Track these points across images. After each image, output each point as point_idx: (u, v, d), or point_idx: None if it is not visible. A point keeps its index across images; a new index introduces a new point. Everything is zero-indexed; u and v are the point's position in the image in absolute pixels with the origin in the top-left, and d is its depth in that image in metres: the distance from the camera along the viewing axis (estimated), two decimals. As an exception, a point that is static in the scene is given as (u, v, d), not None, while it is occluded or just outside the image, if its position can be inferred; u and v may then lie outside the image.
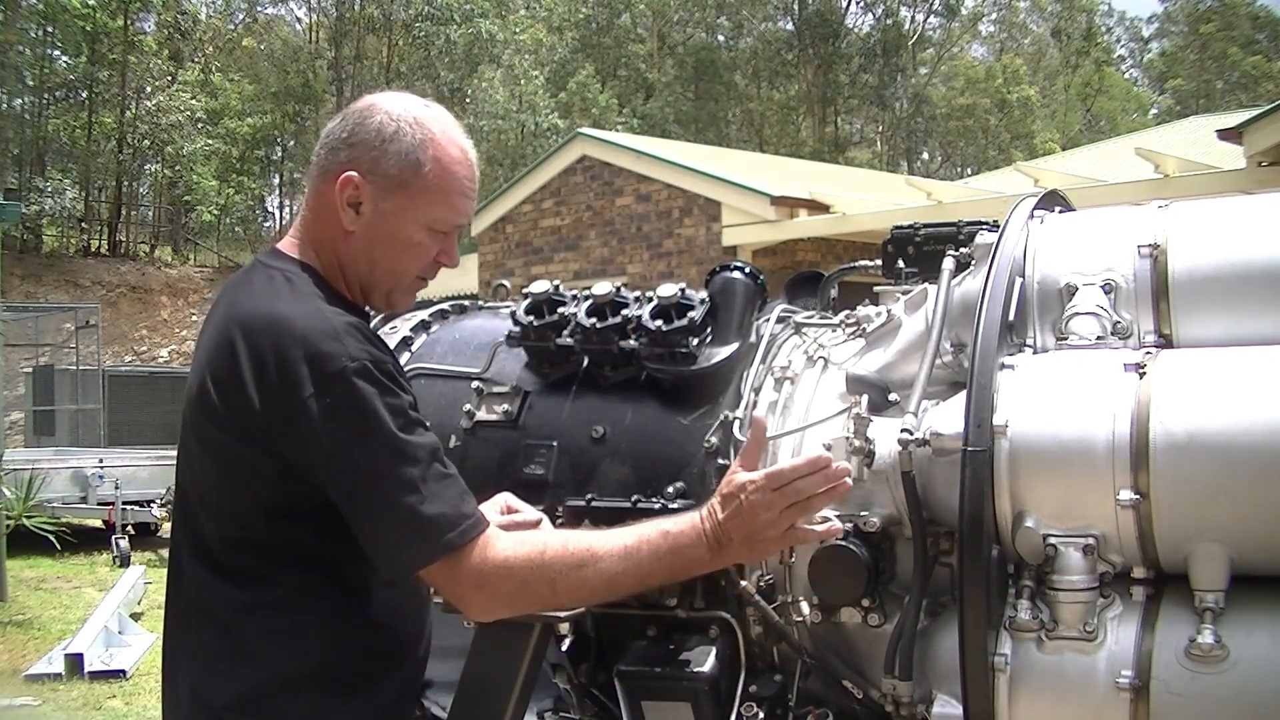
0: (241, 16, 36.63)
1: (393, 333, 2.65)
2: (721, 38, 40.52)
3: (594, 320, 2.34)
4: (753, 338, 2.35)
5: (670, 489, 2.19)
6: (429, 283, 2.01)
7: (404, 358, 2.59)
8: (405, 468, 1.73)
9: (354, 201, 1.89)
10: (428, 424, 1.82)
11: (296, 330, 1.75)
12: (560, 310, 2.40)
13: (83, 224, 30.24)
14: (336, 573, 1.83)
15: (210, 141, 30.11)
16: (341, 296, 1.90)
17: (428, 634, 1.98)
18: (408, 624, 1.94)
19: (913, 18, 43.46)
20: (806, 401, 2.25)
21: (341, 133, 1.91)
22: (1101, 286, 2.02)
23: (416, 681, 1.96)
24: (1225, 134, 10.22)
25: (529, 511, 2.06)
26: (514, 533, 1.86)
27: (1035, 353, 2.03)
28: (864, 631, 2.08)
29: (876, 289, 2.48)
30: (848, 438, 2.07)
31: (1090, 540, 1.83)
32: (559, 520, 2.18)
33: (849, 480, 1.79)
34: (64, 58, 30.95)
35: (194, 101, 29.83)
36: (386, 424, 1.73)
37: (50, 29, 30.12)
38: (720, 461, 2.20)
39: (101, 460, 13.25)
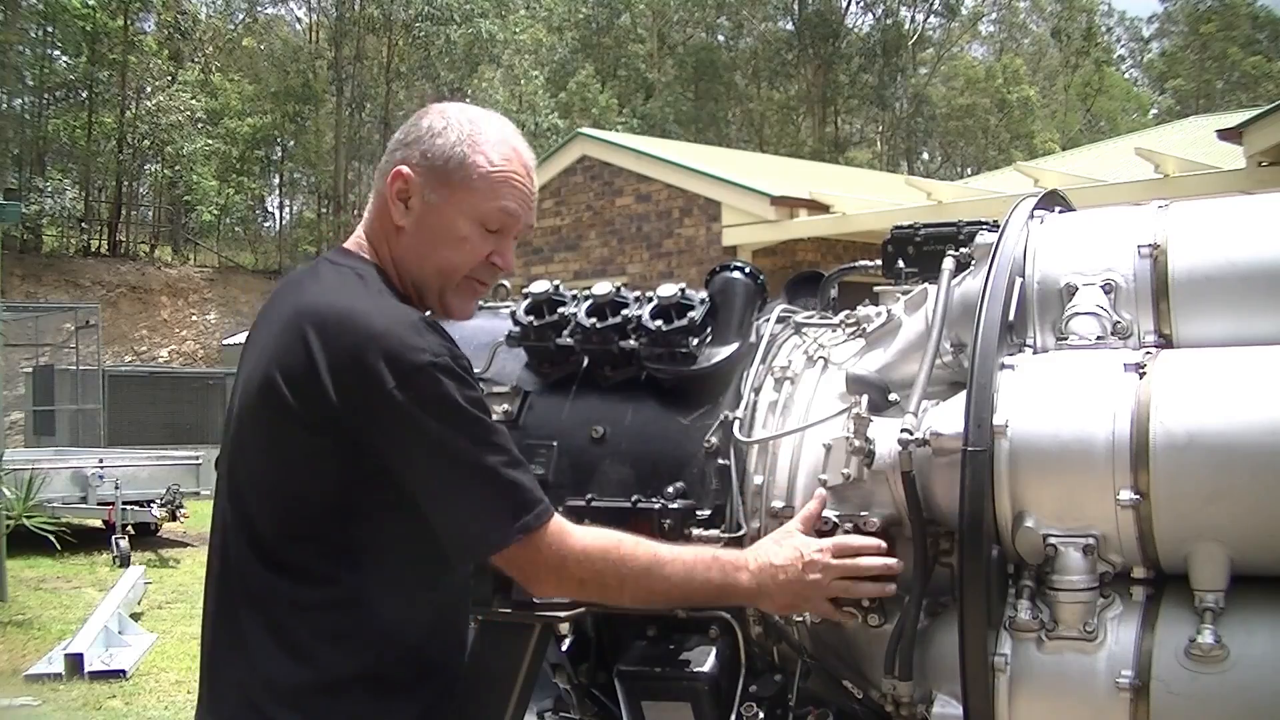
0: (241, 16, 36.61)
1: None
2: (721, 38, 40.53)
3: (594, 320, 2.33)
4: (753, 338, 2.35)
5: (670, 489, 2.19)
6: (483, 287, 2.00)
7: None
8: (488, 455, 1.78)
9: (404, 195, 1.90)
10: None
11: (376, 325, 1.76)
12: (560, 310, 2.40)
13: (83, 224, 30.24)
14: (390, 575, 1.83)
15: (210, 141, 30.11)
16: (401, 295, 1.90)
17: (467, 638, 2.00)
18: (452, 629, 1.96)
19: (913, 18, 43.48)
20: (806, 401, 2.25)
21: (400, 135, 1.95)
22: (1101, 286, 2.02)
23: (455, 685, 1.96)
24: (1225, 134, 10.23)
25: None
26: (587, 526, 1.92)
27: (1035, 353, 2.02)
28: (864, 631, 2.08)
29: (876, 289, 2.48)
30: (848, 438, 2.07)
31: (1090, 540, 1.83)
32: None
33: (894, 582, 1.95)
34: (64, 58, 30.95)
35: (194, 101, 29.83)
36: (469, 414, 1.77)
37: (50, 29, 30.12)
38: (720, 461, 2.20)
39: (101, 460, 13.25)
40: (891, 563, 1.94)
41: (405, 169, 1.90)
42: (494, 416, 2.40)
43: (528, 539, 1.79)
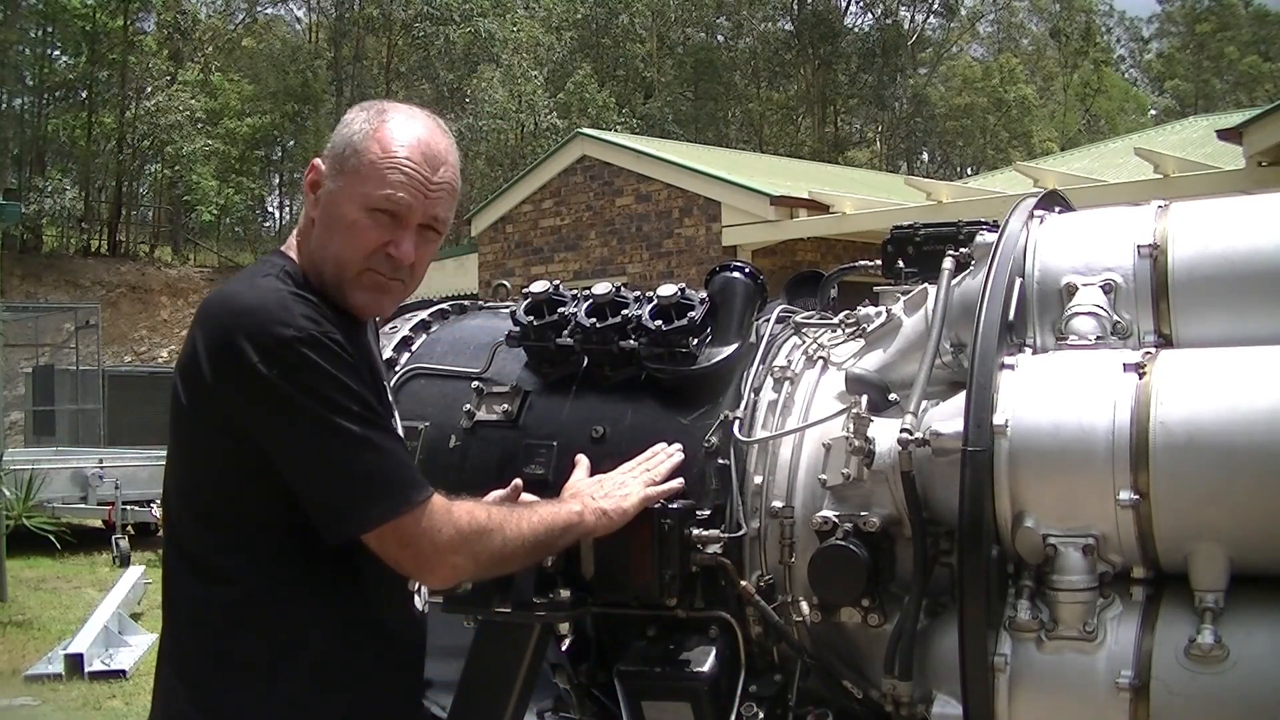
0: (241, 16, 36.62)
1: (392, 333, 2.65)
2: (721, 38, 40.50)
3: (594, 320, 2.33)
4: (752, 338, 2.35)
5: (670, 489, 2.19)
6: (389, 282, 1.92)
7: (403, 358, 2.59)
8: (359, 428, 1.76)
9: (314, 186, 1.94)
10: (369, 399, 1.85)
11: (246, 305, 1.79)
12: (560, 310, 2.40)
13: (83, 224, 30.26)
14: (287, 575, 1.85)
15: (210, 141, 30.10)
16: (316, 292, 1.88)
17: (390, 652, 1.95)
18: (370, 639, 1.92)
19: (912, 18, 43.47)
20: (806, 401, 2.25)
21: None
22: (1101, 286, 2.02)
23: (379, 701, 1.92)
24: (1225, 134, 10.24)
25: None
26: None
27: (1035, 352, 2.02)
28: (864, 631, 2.08)
29: (876, 289, 2.48)
30: (848, 438, 2.07)
31: (1090, 540, 1.83)
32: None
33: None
34: (64, 58, 30.99)
35: (194, 101, 29.83)
36: (338, 384, 1.76)
37: (50, 29, 30.15)
38: (720, 461, 2.20)
39: (101, 460, 13.24)
40: (675, 459, 2.14)
41: (318, 160, 1.95)
42: (494, 412, 2.41)
43: (413, 513, 1.77)
